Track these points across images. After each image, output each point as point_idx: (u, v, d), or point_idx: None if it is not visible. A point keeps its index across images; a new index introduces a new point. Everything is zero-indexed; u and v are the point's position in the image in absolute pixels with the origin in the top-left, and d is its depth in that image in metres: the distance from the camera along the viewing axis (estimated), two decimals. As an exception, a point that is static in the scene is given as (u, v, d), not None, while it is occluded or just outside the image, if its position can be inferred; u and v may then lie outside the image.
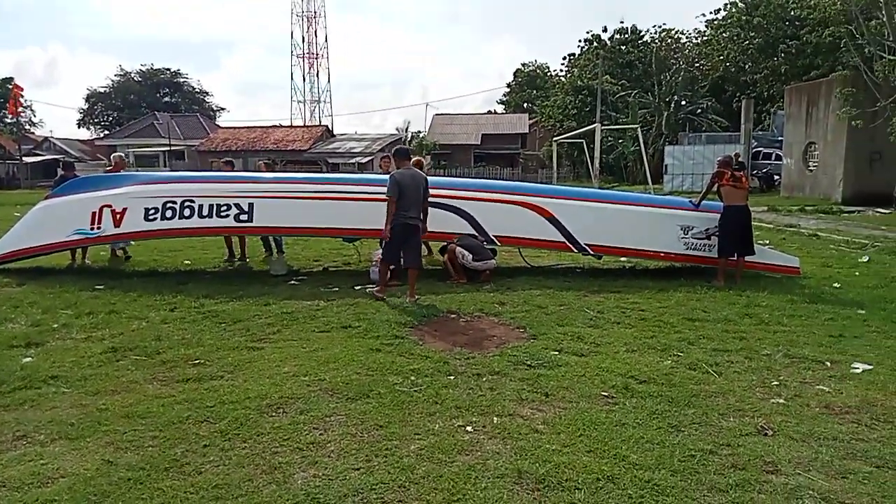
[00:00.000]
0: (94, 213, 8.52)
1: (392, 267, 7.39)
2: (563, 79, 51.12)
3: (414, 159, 8.12)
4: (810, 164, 22.07)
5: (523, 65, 68.29)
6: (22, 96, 50.98)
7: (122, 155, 10.68)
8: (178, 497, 2.96)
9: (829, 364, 4.89)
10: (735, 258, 8.03)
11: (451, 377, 4.57)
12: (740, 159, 20.94)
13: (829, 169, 20.66)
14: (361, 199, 8.67)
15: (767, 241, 11.13)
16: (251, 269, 9.58)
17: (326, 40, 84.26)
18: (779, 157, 25.10)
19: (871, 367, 4.78)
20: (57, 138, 60.96)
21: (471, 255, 8.07)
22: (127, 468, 3.23)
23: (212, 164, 12.21)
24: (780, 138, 25.91)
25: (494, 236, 8.44)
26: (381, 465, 3.26)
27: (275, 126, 54.67)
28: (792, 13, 33.33)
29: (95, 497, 2.96)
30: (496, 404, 4.06)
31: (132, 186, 8.91)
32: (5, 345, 5.43)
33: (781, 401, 4.14)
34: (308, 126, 58.45)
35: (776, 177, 25.16)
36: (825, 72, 26.44)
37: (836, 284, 7.88)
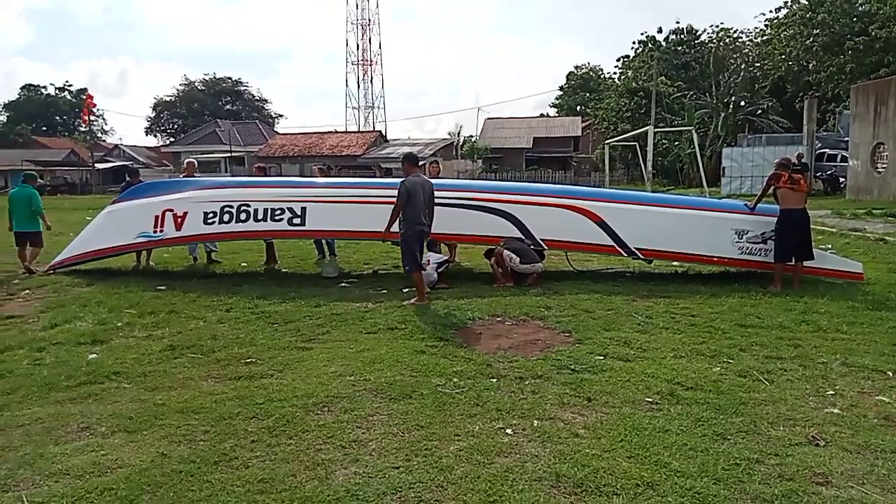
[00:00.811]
0: (157, 217, 8.93)
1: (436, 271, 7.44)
2: (616, 81, 50.32)
3: (427, 164, 8.24)
4: (879, 165, 21.04)
5: (576, 67, 67.74)
6: (94, 105, 53.69)
7: (194, 161, 11.15)
8: (225, 489, 3.08)
9: (890, 374, 4.67)
10: (792, 263, 7.75)
11: (494, 380, 4.59)
12: (803, 160, 20.25)
13: (900, 170, 19.65)
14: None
15: (829, 246, 10.68)
16: (304, 272, 9.82)
17: (380, 47, 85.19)
18: (844, 159, 24.01)
19: (936, 377, 4.55)
20: (126, 145, 64.04)
21: (518, 259, 8.06)
22: (179, 461, 3.38)
23: (254, 170, 12.59)
24: (845, 139, 24.78)
25: (542, 240, 8.40)
26: (420, 464, 3.31)
27: (330, 132, 55.89)
28: (860, 8, 31.94)
29: (149, 487, 3.12)
30: (537, 408, 4.06)
31: (192, 191, 9.30)
32: (73, 342, 5.77)
33: (836, 411, 3.98)
34: (362, 132, 59.48)
35: (841, 179, 24.08)
36: (895, 69, 25.19)
37: (902, 291, 7.51)
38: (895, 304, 6.86)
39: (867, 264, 8.66)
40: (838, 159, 25.27)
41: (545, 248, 8.47)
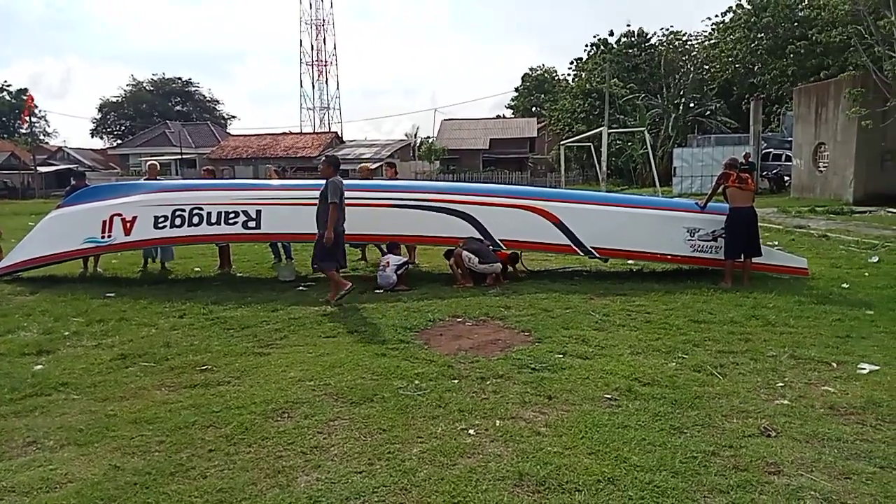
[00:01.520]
0: (104, 222, 8.64)
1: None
2: (570, 82, 51.09)
3: (383, 166, 8.26)
4: (820, 164, 21.92)
5: (531, 69, 68.43)
6: (35, 106, 51.70)
7: (156, 163, 10.87)
8: (183, 501, 3.00)
9: (835, 365, 4.86)
10: (742, 260, 8.00)
11: (455, 381, 4.59)
12: (750, 160, 20.90)
13: (840, 169, 20.51)
14: (369, 205, 8.73)
15: (776, 243, 11.07)
16: (260, 276, 9.65)
17: (335, 48, 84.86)
18: (788, 158, 24.93)
19: (877, 367, 4.75)
20: (70, 148, 61.76)
21: (476, 259, 8.09)
22: (133, 473, 3.28)
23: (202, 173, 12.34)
24: (789, 139, 25.73)
25: (500, 240, 8.46)
26: (383, 468, 3.29)
27: (285, 133, 55.10)
28: (800, 14, 33.19)
29: (102, 501, 3.00)
30: (499, 407, 4.08)
31: (142, 195, 9.03)
32: (17, 352, 5.52)
33: (786, 402, 4.12)
34: (318, 133, 58.83)
35: (786, 178, 24.99)
36: (835, 72, 26.25)
37: (844, 285, 7.83)
38: (838, 298, 7.15)
39: (811, 260, 9.00)
40: (783, 158, 26.23)
41: (503, 248, 8.53)
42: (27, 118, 49.17)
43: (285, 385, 4.54)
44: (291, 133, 56.44)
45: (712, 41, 42.77)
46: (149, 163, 11.13)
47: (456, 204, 8.64)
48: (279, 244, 10.46)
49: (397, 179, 12.13)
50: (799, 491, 3.02)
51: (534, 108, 62.46)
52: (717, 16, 41.65)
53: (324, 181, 7.36)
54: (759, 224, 8.27)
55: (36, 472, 3.31)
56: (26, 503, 3.01)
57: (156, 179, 10.39)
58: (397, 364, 4.97)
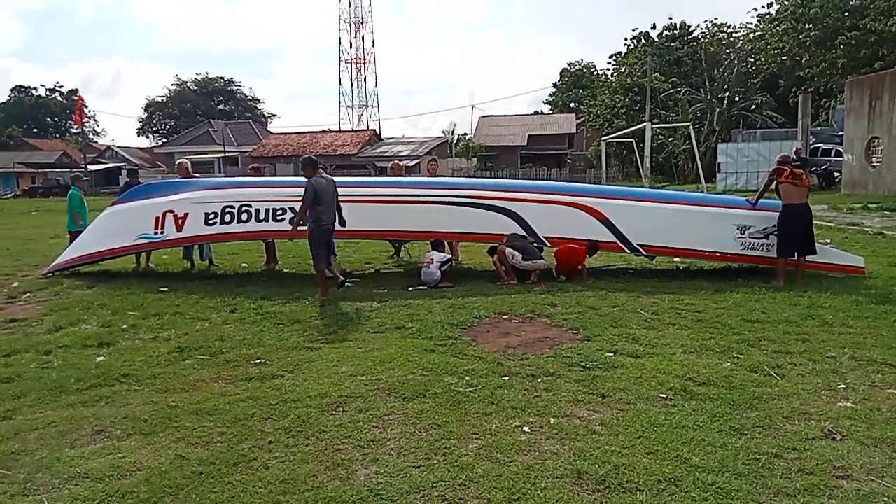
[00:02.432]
0: (157, 219, 8.88)
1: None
2: (610, 77, 50.40)
3: (426, 162, 8.42)
4: (874, 159, 21.17)
5: (570, 64, 67.65)
6: (85, 107, 53.42)
7: (186, 161, 11.01)
8: (247, 491, 3.07)
9: (899, 367, 4.70)
10: (795, 258, 7.79)
11: (506, 378, 4.59)
12: (802, 155, 20.31)
13: (895, 165, 19.77)
14: (411, 202, 8.79)
15: (829, 241, 10.74)
16: (306, 272, 9.77)
17: (374, 45, 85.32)
18: (839, 154, 24.15)
19: (945, 370, 4.58)
20: (119, 147, 63.69)
21: (520, 256, 8.06)
22: (198, 462, 3.37)
23: (249, 171, 12.47)
24: (840, 133, 24.92)
25: (545, 237, 8.41)
26: (440, 463, 3.31)
27: (324, 131, 55.75)
28: (851, 3, 32.09)
29: (171, 490, 3.10)
30: (552, 405, 4.06)
31: (193, 192, 9.25)
32: (80, 344, 5.73)
33: (849, 404, 4.01)
34: (356, 130, 59.36)
35: (836, 174, 24.22)
36: (890, 62, 25.35)
37: (904, 285, 7.56)
38: (898, 298, 6.90)
39: (867, 258, 8.70)
40: (832, 154, 25.42)
41: (548, 245, 8.48)
42: (78, 118, 50.74)
43: (338, 380, 4.60)
44: (330, 131, 57.08)
45: (758, 33, 41.72)
46: (178, 161, 11.22)
47: (500, 201, 8.62)
48: (324, 241, 10.57)
49: (438, 176, 12.14)
50: (870, 496, 2.93)
51: (572, 104, 61.80)
52: (762, 7, 40.43)
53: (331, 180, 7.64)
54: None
55: (106, 459, 3.44)
56: (99, 489, 3.12)
57: (189, 178, 10.46)
58: (446, 360, 4.99)
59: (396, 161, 13.94)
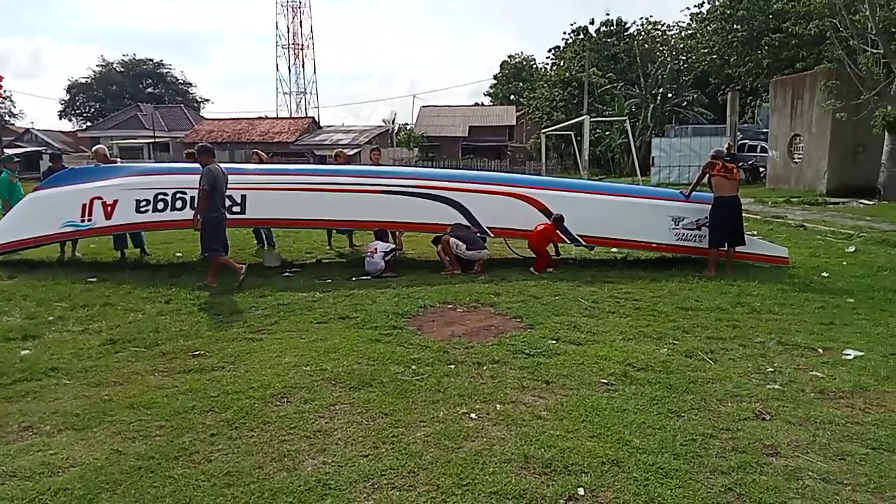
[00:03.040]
0: (84, 205, 8.46)
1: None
2: (549, 71, 51.14)
3: (370, 151, 8.58)
4: (795, 156, 22.32)
5: (510, 56, 68.29)
6: (1, 87, 50.11)
7: (103, 147, 10.41)
8: (190, 484, 2.98)
9: (821, 351, 4.99)
10: (726, 248, 8.14)
11: (452, 366, 4.62)
12: (732, 151, 21.19)
13: (814, 161, 20.91)
14: (356, 192, 8.69)
15: (756, 232, 11.27)
16: (244, 262, 9.51)
17: (312, 31, 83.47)
18: (764, 150, 25.34)
19: (862, 353, 4.89)
20: (39, 130, 60.12)
21: (464, 246, 8.11)
22: (136, 457, 3.24)
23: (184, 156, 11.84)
24: (765, 130, 26.14)
25: (488, 227, 8.49)
26: (388, 451, 3.30)
27: (261, 118, 54.36)
28: (775, 6, 33.54)
29: (108, 485, 2.97)
30: (498, 392, 4.11)
31: (123, 178, 8.85)
32: (1, 337, 5.40)
33: (777, 386, 4.23)
34: (294, 118, 58.16)
35: (762, 169, 25.41)
36: (809, 65, 26.68)
37: (824, 274, 8.02)
38: (819, 287, 7.33)
39: (791, 249, 9.19)
40: (758, 150, 26.65)
41: (490, 235, 8.56)
42: (-7, 98, 47.76)
43: (281, 370, 4.52)
44: (267, 118, 55.70)
45: (689, 32, 43.13)
46: (95, 147, 10.53)
47: (443, 191, 8.64)
48: (262, 230, 10.36)
49: (381, 165, 12.04)
50: (797, 471, 3.11)
51: (512, 97, 62.45)
52: (694, 6, 41.84)
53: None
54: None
55: (35, 456, 3.26)
56: (29, 487, 2.96)
57: (110, 164, 9.93)
58: (392, 350, 4.98)
59: (340, 150, 13.72)
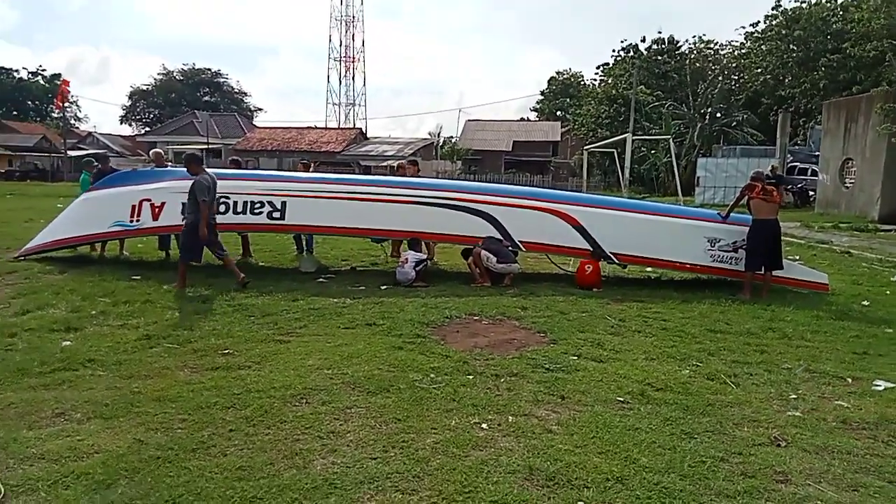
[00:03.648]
0: (133, 207, 8.84)
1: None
2: (596, 88, 50.86)
3: (405, 164, 8.62)
4: (847, 180, 21.62)
5: (557, 73, 68.20)
6: (69, 91, 52.63)
7: (161, 151, 10.94)
8: (203, 476, 3.11)
9: (850, 380, 4.86)
10: (762, 272, 7.97)
11: (470, 376, 4.67)
12: (778, 172, 20.67)
13: (867, 186, 20.21)
14: (392, 202, 8.84)
15: (797, 257, 10.98)
16: (281, 266, 9.80)
17: (363, 45, 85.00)
18: (814, 173, 24.62)
19: (893, 385, 4.73)
20: (100, 133, 62.82)
21: (495, 258, 8.16)
22: (156, 447, 3.40)
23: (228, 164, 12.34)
24: (816, 153, 25.41)
25: (520, 241, 8.52)
26: (397, 455, 3.38)
27: (310, 127, 55.56)
28: (834, 27, 32.71)
29: (126, 472, 3.13)
30: (512, 404, 4.15)
31: (171, 182, 9.21)
32: (46, 328, 5.71)
33: (798, 414, 4.14)
34: (342, 128, 59.26)
35: (811, 193, 24.69)
36: (867, 87, 25.88)
37: (865, 302, 7.77)
38: (857, 315, 7.11)
39: (832, 276, 8.93)
40: (808, 173, 25.91)
41: (523, 249, 8.59)
42: (60, 103, 50.09)
43: (304, 372, 4.65)
44: (316, 128, 56.91)
45: (743, 51, 42.35)
46: (153, 150, 11.18)
47: (477, 203, 8.70)
48: (302, 236, 10.61)
49: (420, 177, 12.19)
50: (805, 500, 3.05)
51: (558, 112, 62.28)
52: (750, 25, 41.07)
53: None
54: (782, 238, 8.23)
55: (64, 441, 3.45)
56: (54, 469, 3.14)
57: (164, 167, 10.47)
58: (413, 357, 5.06)
59: (403, 161, 13.86)
